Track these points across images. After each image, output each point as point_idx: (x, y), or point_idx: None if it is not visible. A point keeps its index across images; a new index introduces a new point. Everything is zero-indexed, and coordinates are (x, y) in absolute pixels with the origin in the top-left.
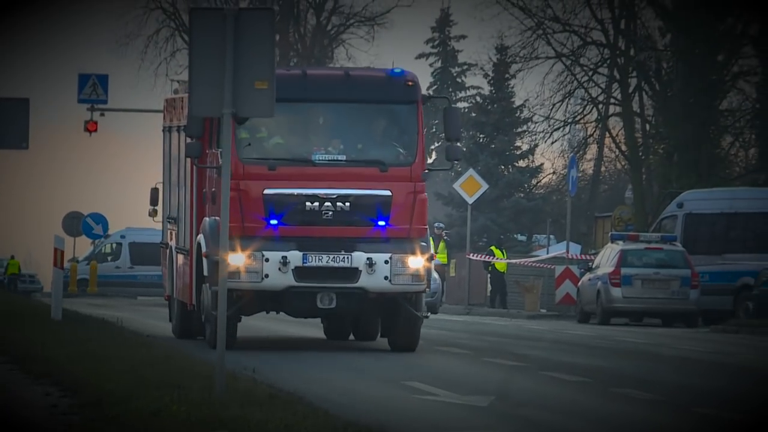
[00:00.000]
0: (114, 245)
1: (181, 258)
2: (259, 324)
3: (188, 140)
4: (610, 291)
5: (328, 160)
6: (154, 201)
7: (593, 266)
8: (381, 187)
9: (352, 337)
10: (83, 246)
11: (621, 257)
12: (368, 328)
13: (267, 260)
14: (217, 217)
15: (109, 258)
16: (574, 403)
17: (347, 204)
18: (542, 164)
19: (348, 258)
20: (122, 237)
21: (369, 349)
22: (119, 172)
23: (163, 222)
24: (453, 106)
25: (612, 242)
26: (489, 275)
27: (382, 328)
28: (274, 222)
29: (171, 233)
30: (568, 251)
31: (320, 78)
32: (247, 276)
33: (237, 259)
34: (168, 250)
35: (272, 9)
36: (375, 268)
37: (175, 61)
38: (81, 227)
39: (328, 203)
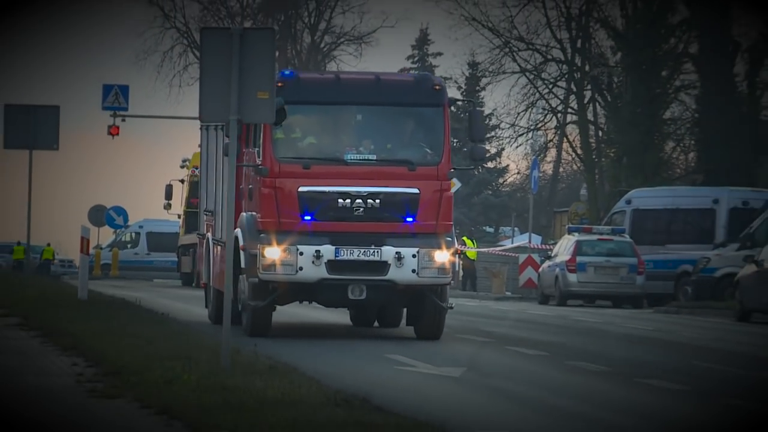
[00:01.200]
0: (133, 234)
1: (218, 249)
2: (293, 311)
3: (226, 139)
4: (567, 276)
5: (360, 160)
6: (168, 196)
7: (552, 255)
8: (409, 186)
9: (376, 324)
10: (106, 235)
11: (576, 247)
12: (392, 316)
13: (301, 254)
14: (253, 212)
15: (129, 245)
16: (535, 374)
17: (377, 201)
18: (508, 165)
19: (378, 252)
20: (140, 227)
21: (373, 334)
22: (138, 171)
23: (199, 214)
24: (477, 108)
25: (569, 234)
26: (461, 262)
27: (408, 318)
28: (308, 218)
29: (208, 225)
30: (530, 241)
31: (352, 82)
32: (283, 268)
33: (273, 253)
34: (205, 241)
35: (273, 29)
36: (403, 262)
37: (187, 74)
38: (104, 218)
39: (359, 200)
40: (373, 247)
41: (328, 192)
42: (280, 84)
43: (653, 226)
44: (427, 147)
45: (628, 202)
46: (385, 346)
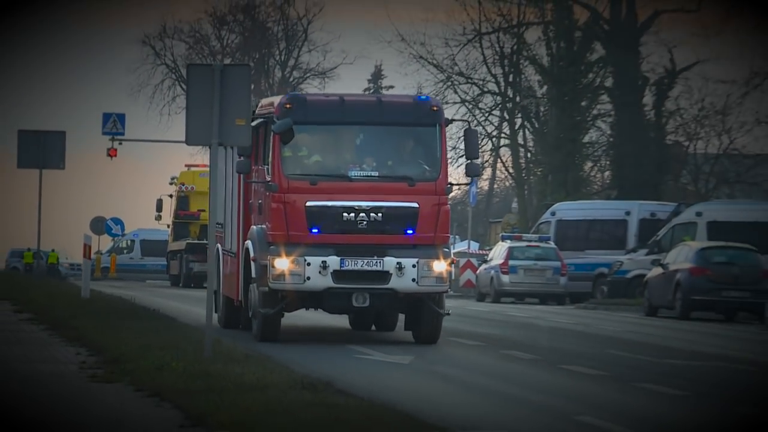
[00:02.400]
0: (129, 241)
1: (228, 259)
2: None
3: (239, 158)
4: (501, 277)
5: (363, 176)
6: (158, 208)
7: (488, 259)
8: (409, 200)
9: (373, 327)
10: (105, 242)
11: (509, 252)
12: (388, 321)
13: (309, 264)
14: (263, 226)
15: (125, 251)
16: (473, 362)
17: (380, 215)
18: (450, 183)
19: (380, 262)
20: (135, 235)
21: (363, 336)
22: (133, 187)
23: (209, 226)
24: (472, 128)
25: (502, 241)
26: None
27: (407, 323)
28: (315, 230)
29: (218, 237)
30: (469, 247)
31: (356, 104)
32: (291, 278)
33: (282, 264)
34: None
35: (248, 65)
36: (404, 272)
37: (175, 104)
38: (104, 228)
39: (362, 214)
40: (375, 257)
41: (334, 206)
42: (288, 106)
43: (574, 234)
44: (425, 164)
45: (553, 213)
46: (345, 338)
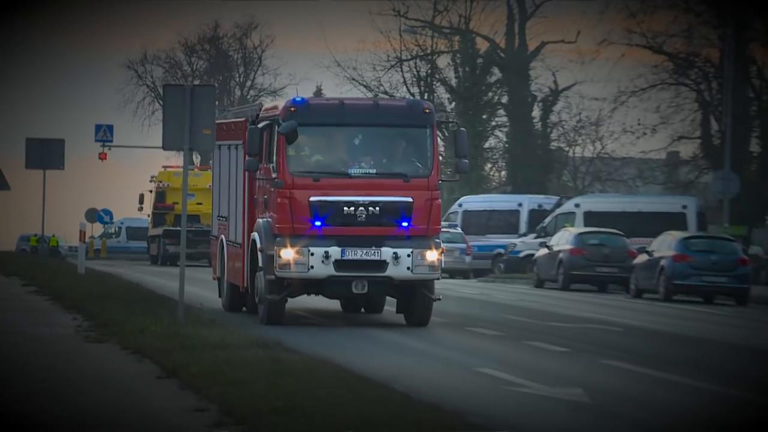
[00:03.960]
0: (116, 228)
1: (232, 249)
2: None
3: (248, 157)
4: None
5: (362, 173)
6: (141, 201)
7: None
8: (404, 195)
9: (363, 310)
10: (98, 229)
11: None
12: (376, 304)
13: (312, 254)
14: (269, 219)
15: (113, 236)
16: (395, 325)
17: (377, 209)
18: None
19: (378, 252)
20: (121, 223)
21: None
22: (119, 184)
23: (213, 219)
24: (462, 129)
25: None
26: None
27: (400, 307)
28: (318, 223)
29: (222, 228)
30: None
31: (354, 107)
32: (296, 267)
33: (287, 254)
34: (219, 242)
35: (213, 86)
36: (399, 261)
37: (154, 117)
38: (96, 217)
39: (361, 208)
40: (373, 248)
41: (335, 201)
42: (293, 109)
43: (477, 222)
44: (418, 162)
45: (460, 205)
46: (295, 304)
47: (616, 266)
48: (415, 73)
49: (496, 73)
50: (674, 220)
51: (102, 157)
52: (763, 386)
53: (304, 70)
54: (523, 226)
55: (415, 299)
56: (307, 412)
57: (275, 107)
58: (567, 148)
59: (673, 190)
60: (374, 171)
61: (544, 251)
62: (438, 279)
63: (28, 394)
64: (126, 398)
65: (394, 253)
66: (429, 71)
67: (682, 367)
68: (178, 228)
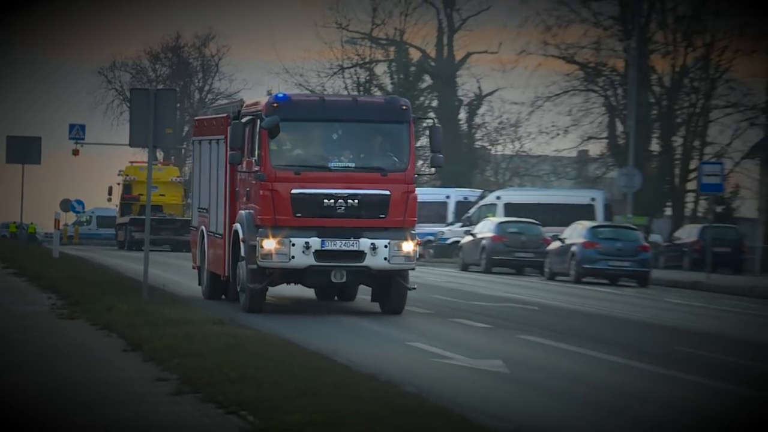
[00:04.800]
0: (88, 217)
1: (213, 239)
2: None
3: (232, 151)
4: None
5: (341, 167)
6: (109, 193)
7: None
8: (382, 188)
9: (336, 298)
10: (71, 217)
11: None
12: (350, 292)
13: (293, 245)
14: (251, 211)
15: (85, 224)
16: (341, 310)
17: (356, 201)
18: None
19: (356, 243)
20: (92, 212)
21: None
22: (91, 177)
23: (193, 210)
24: (437, 125)
25: None
26: None
27: (375, 296)
28: (299, 215)
29: (202, 220)
30: None
31: (334, 103)
32: (278, 257)
33: (269, 244)
34: (199, 232)
35: (175, 90)
36: (377, 251)
37: (122, 117)
38: (70, 207)
39: (341, 200)
40: (352, 239)
41: (316, 194)
42: (275, 105)
43: None
44: (395, 156)
45: None
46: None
47: (533, 252)
48: (356, 79)
49: (427, 80)
50: (584, 211)
51: (75, 153)
52: (657, 356)
53: (256, 76)
54: (450, 216)
55: (391, 288)
56: (258, 381)
57: (257, 103)
58: (490, 147)
59: (583, 184)
60: (353, 165)
61: (468, 238)
62: (413, 269)
63: (5, 364)
64: (95, 369)
65: (372, 243)
66: (368, 78)
67: (589, 341)
68: (143, 217)
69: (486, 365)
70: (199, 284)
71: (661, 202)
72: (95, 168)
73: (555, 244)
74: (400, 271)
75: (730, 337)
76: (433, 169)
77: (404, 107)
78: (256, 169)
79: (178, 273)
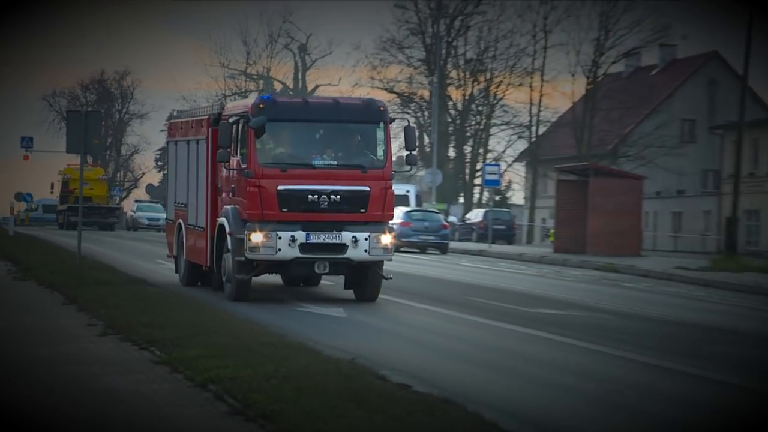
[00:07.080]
0: (36, 205)
1: (193, 232)
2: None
3: (220, 150)
4: None
5: (324, 165)
6: (52, 187)
7: None
8: (362, 184)
9: (301, 284)
10: (23, 206)
11: None
12: (314, 279)
13: (280, 238)
14: (236, 206)
15: (34, 210)
16: (288, 292)
17: (338, 197)
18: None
19: (338, 236)
20: (39, 202)
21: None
22: (38, 176)
23: (168, 205)
24: (411, 125)
25: None
26: None
27: (350, 284)
28: (284, 210)
29: (178, 213)
30: None
31: (316, 104)
32: (265, 250)
33: (257, 238)
34: (176, 225)
35: (100, 112)
36: (358, 244)
37: (61, 131)
38: (22, 198)
39: (324, 196)
40: (335, 232)
41: (301, 190)
42: (261, 106)
43: None
44: (373, 154)
45: None
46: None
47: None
48: None
49: None
50: (402, 200)
51: (25, 158)
52: (455, 304)
53: (161, 101)
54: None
55: (368, 278)
56: (163, 325)
57: (245, 105)
58: None
59: (401, 180)
60: (335, 163)
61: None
62: (390, 260)
63: None
64: (40, 317)
65: (353, 236)
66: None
67: (403, 293)
68: (77, 205)
69: (329, 311)
70: (176, 272)
71: (456, 193)
72: (41, 169)
73: None
74: (378, 262)
75: (503, 289)
76: (408, 167)
77: (381, 109)
78: (244, 166)
79: (106, 246)
